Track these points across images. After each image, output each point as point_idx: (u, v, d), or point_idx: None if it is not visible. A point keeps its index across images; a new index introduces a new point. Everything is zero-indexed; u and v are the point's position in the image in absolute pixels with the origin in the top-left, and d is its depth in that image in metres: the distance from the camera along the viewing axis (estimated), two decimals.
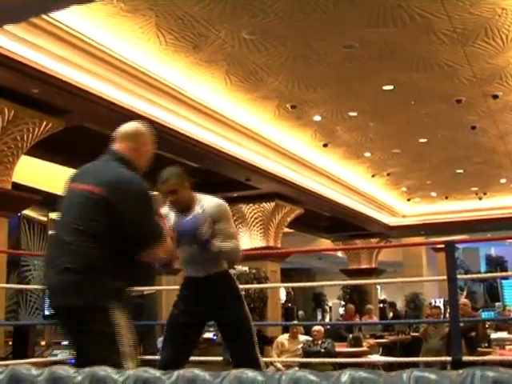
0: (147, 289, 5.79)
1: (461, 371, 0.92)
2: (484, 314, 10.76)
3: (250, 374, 1.00)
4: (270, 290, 10.78)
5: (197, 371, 1.03)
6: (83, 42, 6.06)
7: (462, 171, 12.26)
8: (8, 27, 5.19)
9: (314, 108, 8.58)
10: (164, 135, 7.09)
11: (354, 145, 10.38)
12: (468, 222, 15.15)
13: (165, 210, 3.22)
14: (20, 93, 6.18)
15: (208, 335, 8.54)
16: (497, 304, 12.61)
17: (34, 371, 1.11)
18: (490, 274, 17.34)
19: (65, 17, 5.68)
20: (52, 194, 7.51)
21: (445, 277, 4.27)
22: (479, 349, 6.77)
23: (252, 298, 9.80)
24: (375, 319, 12.79)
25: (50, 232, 8.92)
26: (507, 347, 6.21)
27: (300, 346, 7.23)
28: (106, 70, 6.48)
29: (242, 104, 8.30)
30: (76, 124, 7.12)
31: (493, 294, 15.63)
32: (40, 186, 8.19)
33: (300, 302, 20.19)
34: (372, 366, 7.00)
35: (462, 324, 5.05)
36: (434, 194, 14.42)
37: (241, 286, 3.51)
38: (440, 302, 14.15)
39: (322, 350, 6.92)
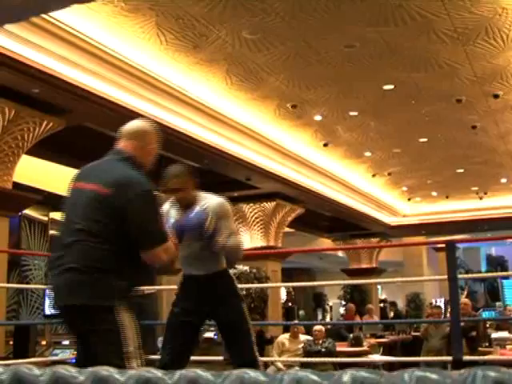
0: (147, 288, 5.79)
1: (462, 371, 0.92)
2: (485, 314, 10.75)
3: (252, 374, 1.00)
4: (270, 290, 10.77)
5: (199, 371, 1.03)
6: (84, 41, 6.06)
7: (462, 171, 12.26)
8: (8, 27, 5.19)
9: (314, 107, 8.57)
10: (164, 135, 7.08)
11: (354, 144, 10.37)
12: (469, 221, 15.15)
13: (166, 206, 3.23)
14: (21, 92, 6.18)
15: (209, 335, 8.54)
16: (497, 304, 12.59)
17: (36, 371, 1.11)
18: (490, 274, 17.37)
19: (65, 16, 5.68)
20: (52, 194, 7.53)
21: (445, 276, 4.28)
22: (480, 348, 6.76)
23: (253, 298, 9.80)
24: (376, 319, 12.76)
25: (51, 231, 8.94)
26: (508, 347, 6.20)
27: (301, 345, 7.22)
28: (107, 69, 6.48)
29: (242, 103, 8.29)
30: (77, 123, 7.12)
31: (493, 293, 15.65)
32: (40, 186, 8.19)
33: (300, 302, 20.20)
34: (373, 366, 7.00)
35: (462, 323, 5.05)
36: (434, 193, 14.41)
37: (241, 286, 3.52)
38: (441, 302, 14.19)
39: (323, 350, 6.91)
